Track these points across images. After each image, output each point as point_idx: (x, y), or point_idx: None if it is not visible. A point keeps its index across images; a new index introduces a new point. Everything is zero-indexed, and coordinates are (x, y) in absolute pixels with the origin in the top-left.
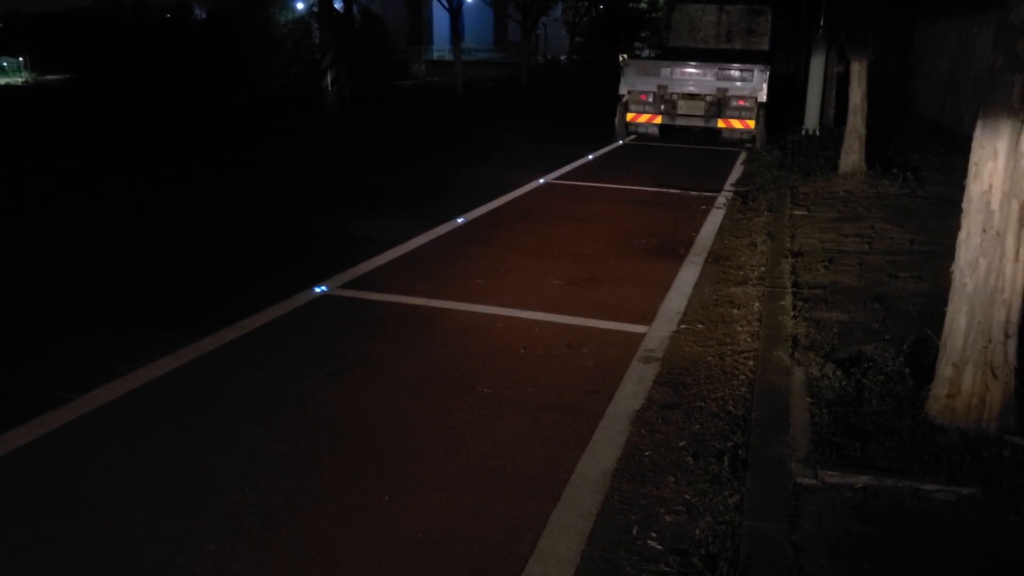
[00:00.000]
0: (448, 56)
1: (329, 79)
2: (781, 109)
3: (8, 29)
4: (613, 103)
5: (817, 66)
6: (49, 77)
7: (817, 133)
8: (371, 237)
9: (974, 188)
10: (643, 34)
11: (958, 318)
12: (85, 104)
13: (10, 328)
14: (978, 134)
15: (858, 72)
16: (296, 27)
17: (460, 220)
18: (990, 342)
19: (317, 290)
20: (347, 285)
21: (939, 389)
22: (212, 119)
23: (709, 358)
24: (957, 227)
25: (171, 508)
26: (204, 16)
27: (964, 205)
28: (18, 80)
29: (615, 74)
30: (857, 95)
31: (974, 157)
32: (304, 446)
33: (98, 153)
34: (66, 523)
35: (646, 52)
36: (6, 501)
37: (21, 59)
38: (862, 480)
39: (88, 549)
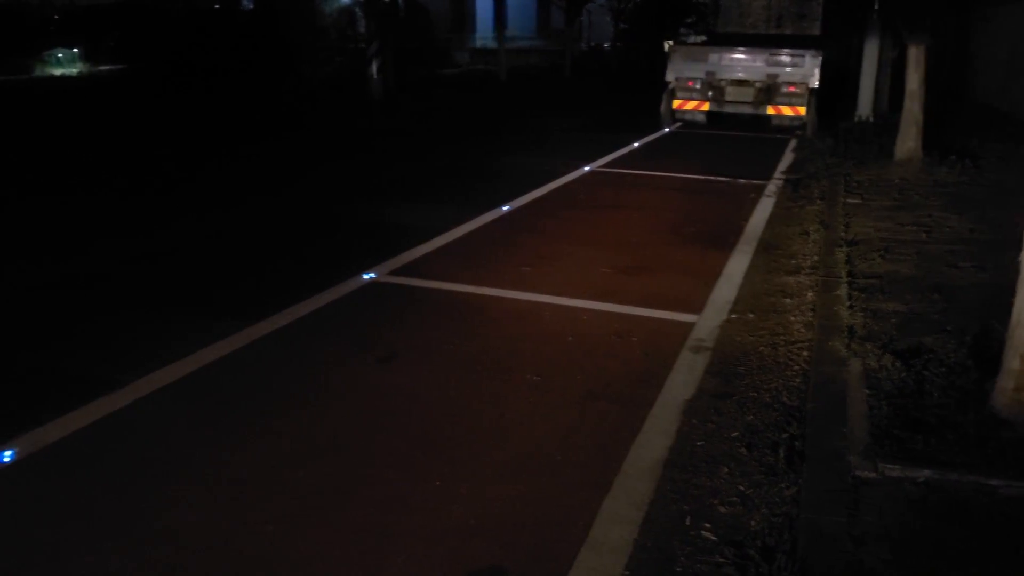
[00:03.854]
0: (491, 44)
1: (374, 67)
2: (833, 95)
3: (64, 21)
4: (658, 90)
5: (871, 51)
6: (102, 68)
7: (871, 120)
8: (417, 224)
9: None
10: (689, 20)
11: None
12: (136, 94)
13: (69, 313)
14: None
15: (915, 57)
16: (341, 16)
17: (505, 208)
18: None
19: (365, 277)
20: (395, 272)
21: (1005, 382)
22: (258, 108)
23: (762, 348)
24: (1019, 215)
25: (227, 489)
26: (251, 6)
27: None
28: (73, 71)
29: (660, 61)
30: (914, 80)
31: None
32: (354, 430)
33: (148, 142)
34: (123, 504)
35: (692, 38)
36: (64, 482)
37: (76, 50)
38: (924, 474)
39: (145, 530)
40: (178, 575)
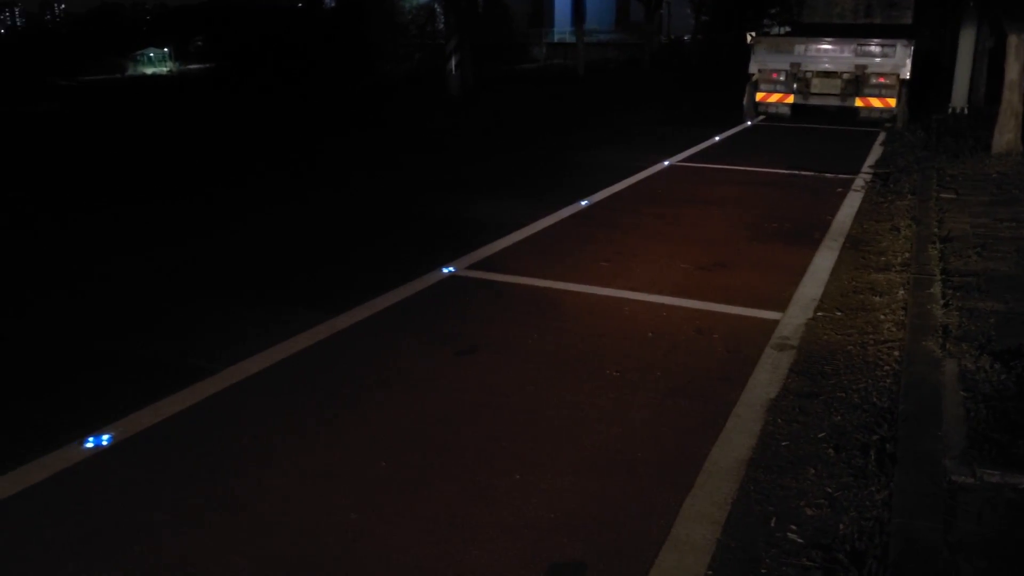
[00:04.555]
0: (569, 38)
1: (453, 63)
2: (925, 86)
3: (155, 21)
4: (739, 83)
5: (967, 40)
6: (191, 67)
7: (965, 112)
8: (496, 219)
9: None
10: (772, 10)
11: None
12: (222, 92)
13: (157, 303)
14: None
15: (1016, 46)
16: (420, 13)
17: (584, 203)
18: None
19: (445, 271)
20: (473, 266)
21: None
22: (339, 104)
23: (849, 347)
24: None
25: (313, 477)
26: (333, 4)
27: None
28: (163, 70)
29: (741, 54)
30: (1014, 70)
31: None
32: (435, 423)
33: (232, 138)
34: (213, 488)
35: (775, 29)
36: (157, 466)
37: (167, 49)
38: None
39: (233, 514)
40: (264, 560)
